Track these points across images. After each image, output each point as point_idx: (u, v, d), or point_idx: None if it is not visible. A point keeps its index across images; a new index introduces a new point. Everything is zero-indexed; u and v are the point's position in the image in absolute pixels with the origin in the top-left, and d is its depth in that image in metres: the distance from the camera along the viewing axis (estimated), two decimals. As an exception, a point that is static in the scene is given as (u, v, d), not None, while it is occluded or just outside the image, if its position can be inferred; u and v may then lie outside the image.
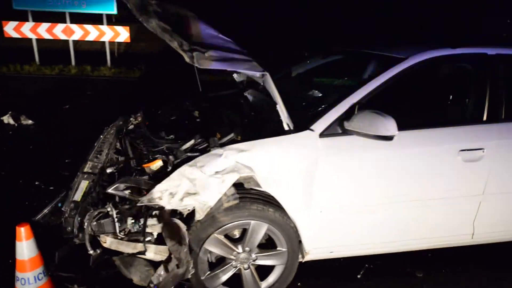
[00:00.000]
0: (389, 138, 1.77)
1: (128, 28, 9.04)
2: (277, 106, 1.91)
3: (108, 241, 2.09)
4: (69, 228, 2.26)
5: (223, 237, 1.95)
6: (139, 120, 2.62)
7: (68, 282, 2.14)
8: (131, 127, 2.77)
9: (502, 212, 2.26)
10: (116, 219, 1.96)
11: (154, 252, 2.06)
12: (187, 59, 1.84)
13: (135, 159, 2.28)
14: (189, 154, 1.98)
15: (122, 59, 9.66)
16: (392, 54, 2.22)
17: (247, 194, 1.92)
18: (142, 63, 9.18)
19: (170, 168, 1.98)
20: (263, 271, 2.10)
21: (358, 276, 2.33)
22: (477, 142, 2.08)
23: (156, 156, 2.12)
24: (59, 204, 2.75)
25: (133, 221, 1.92)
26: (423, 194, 2.08)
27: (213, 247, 1.96)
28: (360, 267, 2.40)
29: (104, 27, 9.00)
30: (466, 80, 2.23)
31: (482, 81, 2.19)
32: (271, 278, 2.09)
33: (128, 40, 9.30)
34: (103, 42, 9.25)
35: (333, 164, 1.93)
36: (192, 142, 2.04)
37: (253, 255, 2.02)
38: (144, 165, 2.13)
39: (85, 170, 2.51)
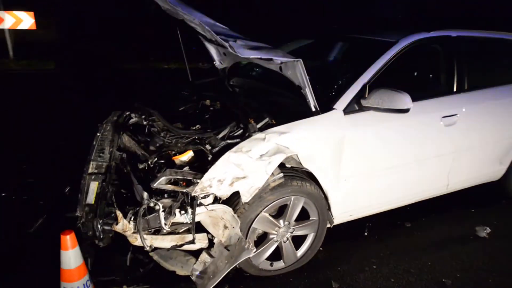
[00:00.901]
0: (406, 110, 2.09)
1: (32, 13, 8.03)
2: (306, 89, 2.08)
3: (140, 238, 2.06)
4: (90, 232, 2.18)
5: (268, 214, 2.09)
6: (146, 115, 2.54)
7: (114, 285, 2.06)
8: (132, 121, 2.67)
9: (467, 164, 2.82)
10: (162, 213, 1.94)
11: (185, 242, 2.10)
12: (228, 49, 1.91)
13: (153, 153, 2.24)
14: (228, 141, 2.04)
15: (28, 49, 8.55)
16: (383, 38, 2.55)
17: (288, 173, 2.09)
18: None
19: (210, 156, 2.02)
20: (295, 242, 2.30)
21: (366, 234, 2.68)
22: (452, 109, 2.55)
23: (187, 147, 2.13)
24: None
25: (183, 212, 1.93)
26: (419, 156, 2.50)
27: (261, 225, 2.09)
28: (362, 226, 2.75)
29: (2, 13, 7.85)
30: (438, 59, 2.68)
31: (450, 59, 2.67)
32: (305, 246, 2.31)
33: (34, 27, 8.27)
34: (2, 31, 8.08)
35: (355, 138, 2.20)
36: (227, 129, 2.10)
37: (291, 228, 2.21)
38: (174, 157, 2.13)
39: (90, 171, 2.40)
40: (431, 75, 2.70)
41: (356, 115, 2.20)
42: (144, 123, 2.48)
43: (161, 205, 1.95)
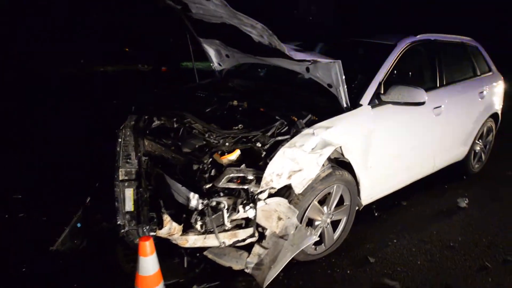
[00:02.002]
0: (422, 103, 2.45)
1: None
2: (340, 88, 2.32)
3: (191, 240, 2.12)
4: (137, 240, 2.14)
5: (317, 203, 2.28)
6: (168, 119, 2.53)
7: (182, 287, 2.06)
8: (155, 125, 2.64)
9: (446, 147, 3.34)
10: (226, 211, 2.01)
11: (246, 236, 2.20)
12: (286, 52, 2.06)
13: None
14: (277, 138, 2.17)
15: None
16: (382, 41, 2.90)
17: (331, 163, 2.30)
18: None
19: (264, 153, 2.13)
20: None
21: (376, 215, 3.02)
22: (439, 101, 3.01)
23: (236, 146, 2.21)
24: (78, 225, 2.47)
25: (248, 208, 2.02)
26: (420, 142, 2.91)
27: (312, 214, 2.27)
28: (368, 210, 3.07)
29: None
30: (423, 58, 3.13)
31: (432, 58, 3.14)
32: (339, 229, 2.54)
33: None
34: None
35: (379, 128, 2.50)
36: (275, 127, 2.23)
37: (331, 214, 2.43)
38: (222, 157, 2.20)
39: (121, 178, 2.35)
40: (421, 72, 3.13)
41: (378, 109, 2.51)
42: (175, 126, 2.47)
43: (226, 203, 2.02)
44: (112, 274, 2.21)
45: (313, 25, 14.57)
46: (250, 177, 2.04)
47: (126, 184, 2.30)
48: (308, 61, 2.34)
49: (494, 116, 3.89)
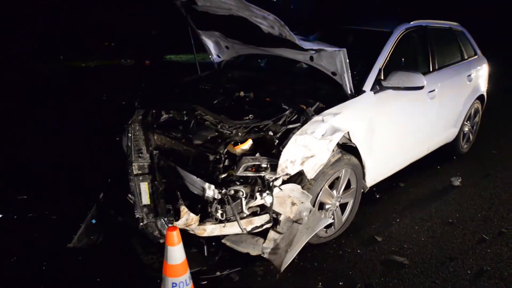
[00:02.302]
0: (421, 87, 2.56)
1: None
2: (345, 75, 2.40)
3: (209, 229, 2.18)
4: (156, 232, 2.19)
5: (328, 187, 2.37)
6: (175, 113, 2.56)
7: (206, 274, 2.12)
8: (163, 119, 2.66)
9: (439, 130, 3.49)
10: (244, 199, 2.08)
11: (263, 222, 2.28)
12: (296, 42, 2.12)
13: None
14: (289, 126, 2.24)
15: None
16: (379, 28, 2.99)
17: (340, 149, 2.39)
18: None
19: (276, 141, 2.20)
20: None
21: (377, 196, 3.15)
22: (433, 85, 3.13)
23: (249, 136, 2.27)
24: (93, 221, 2.49)
25: (265, 195, 2.09)
26: (418, 124, 3.05)
27: (324, 198, 2.37)
28: (369, 192, 3.20)
29: None
30: (417, 44, 3.24)
31: (425, 44, 3.26)
32: (347, 212, 2.65)
33: None
34: None
35: (381, 113, 2.60)
36: (285, 116, 2.30)
37: (339, 198, 2.53)
38: (236, 147, 2.26)
39: (135, 172, 2.37)
40: (415, 57, 3.24)
41: (379, 95, 2.61)
42: (186, 118, 2.50)
43: (244, 191, 2.08)
44: (132, 266, 2.24)
45: (295, 12, 14.63)
46: (265, 165, 2.10)
47: (140, 178, 2.32)
48: (313, 50, 2.41)
49: (480, 98, 4.07)
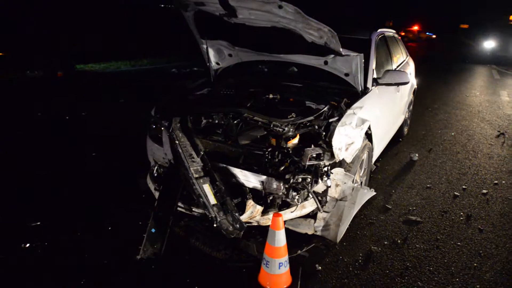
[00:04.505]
0: (408, 82, 3.24)
1: None
2: (358, 75, 2.91)
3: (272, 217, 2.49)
4: (230, 228, 2.41)
5: (359, 168, 2.85)
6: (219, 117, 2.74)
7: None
8: (204, 124, 2.80)
9: (398, 116, 4.32)
10: (309, 185, 2.42)
11: (310, 205, 2.66)
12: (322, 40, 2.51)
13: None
14: (330, 120, 2.65)
15: None
16: (358, 36, 3.61)
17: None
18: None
19: (323, 133, 2.59)
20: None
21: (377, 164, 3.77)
22: (397, 81, 3.90)
23: (298, 131, 2.60)
24: (153, 230, 2.58)
25: (325, 179, 2.46)
26: (393, 112, 3.77)
27: (358, 177, 2.83)
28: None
29: None
30: (382, 48, 3.97)
31: (387, 48, 4.02)
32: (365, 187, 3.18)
33: None
34: None
35: (379, 104, 3.21)
36: (324, 112, 2.69)
37: (363, 176, 3.04)
38: (289, 142, 2.58)
39: (196, 176, 2.51)
40: (382, 58, 3.96)
41: (377, 89, 3.21)
42: (234, 122, 2.69)
43: (309, 178, 2.42)
44: (208, 264, 2.37)
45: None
46: (323, 153, 2.47)
47: (201, 180, 2.46)
48: (332, 54, 2.86)
49: (414, 90, 5.10)
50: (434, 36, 34.21)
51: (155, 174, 2.99)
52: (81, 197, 3.16)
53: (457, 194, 3.43)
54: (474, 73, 12.78)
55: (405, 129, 5.11)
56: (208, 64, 3.63)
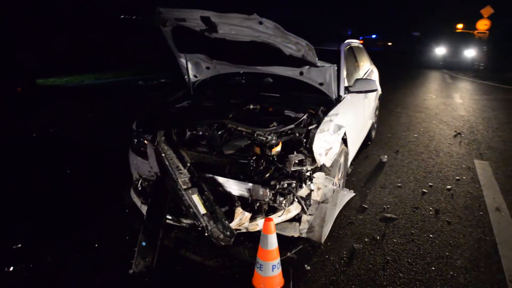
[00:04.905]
0: (376, 90, 3.49)
1: None
2: (332, 84, 3.11)
3: (260, 223, 2.62)
4: (221, 236, 2.50)
5: (337, 171, 3.02)
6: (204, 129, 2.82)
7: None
8: (188, 136, 2.86)
9: (367, 121, 4.59)
10: (295, 189, 2.56)
11: (295, 209, 2.80)
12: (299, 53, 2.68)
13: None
14: (309, 128, 2.81)
15: None
16: (328, 47, 3.84)
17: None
18: None
19: (304, 140, 2.74)
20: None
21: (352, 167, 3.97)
22: (366, 89, 4.17)
23: (280, 139, 2.73)
24: (143, 243, 2.61)
25: (309, 183, 2.61)
26: (363, 117, 4.01)
27: (337, 180, 3.00)
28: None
29: None
30: (350, 57, 4.23)
31: (354, 57, 4.28)
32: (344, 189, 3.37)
33: None
34: None
35: (351, 110, 3.43)
36: (304, 120, 2.84)
37: (341, 179, 3.22)
38: (273, 149, 2.71)
39: (184, 187, 2.58)
40: (350, 67, 4.21)
41: (349, 96, 3.43)
42: (219, 133, 2.77)
43: (294, 183, 2.56)
44: (201, 273, 2.42)
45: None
46: (305, 159, 2.62)
47: (189, 191, 2.52)
48: (307, 66, 3.04)
49: (379, 96, 5.43)
50: (390, 44, 36.08)
51: (139, 188, 3.00)
52: (61, 216, 3.09)
53: (425, 191, 3.71)
54: (429, 78, 13.67)
55: (373, 133, 5.41)
56: (186, 77, 3.70)
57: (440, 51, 20.67)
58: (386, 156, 4.61)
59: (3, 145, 4.99)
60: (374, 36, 36.84)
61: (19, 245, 2.70)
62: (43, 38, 12.73)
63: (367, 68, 4.93)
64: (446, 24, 22.49)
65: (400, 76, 13.58)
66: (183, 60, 3.52)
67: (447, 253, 2.67)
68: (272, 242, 2.17)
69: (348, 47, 4.03)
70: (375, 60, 5.77)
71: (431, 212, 3.28)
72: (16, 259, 2.52)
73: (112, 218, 3.05)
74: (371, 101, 4.71)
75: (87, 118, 6.59)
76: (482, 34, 18.22)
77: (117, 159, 3.69)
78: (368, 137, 5.17)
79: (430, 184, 3.89)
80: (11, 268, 2.44)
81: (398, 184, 3.86)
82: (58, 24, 13.59)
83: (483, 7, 17.27)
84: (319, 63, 2.95)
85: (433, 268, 2.50)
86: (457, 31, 21.77)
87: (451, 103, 8.44)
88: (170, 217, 2.65)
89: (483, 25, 18.06)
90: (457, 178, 4.05)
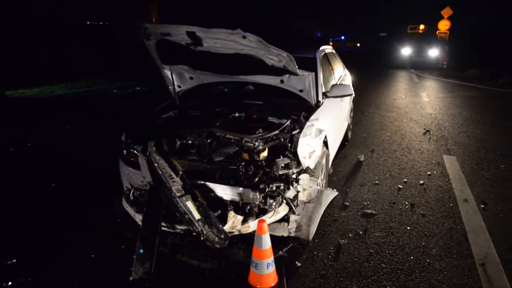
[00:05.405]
0: (352, 94, 3.72)
1: None
2: (311, 91, 3.31)
3: (252, 225, 2.78)
4: (216, 239, 2.64)
5: (320, 172, 3.22)
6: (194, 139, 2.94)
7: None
8: (178, 145, 2.97)
9: (344, 122, 4.84)
10: (283, 191, 2.73)
11: (283, 210, 2.98)
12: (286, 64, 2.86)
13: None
14: (293, 133, 2.98)
15: None
16: (304, 55, 4.05)
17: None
18: None
19: (289, 145, 2.92)
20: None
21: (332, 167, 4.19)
22: (343, 94, 4.41)
23: (266, 145, 2.90)
24: (141, 251, 2.72)
25: (296, 185, 2.78)
26: (340, 119, 4.25)
27: (320, 181, 3.20)
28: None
29: None
30: (325, 63, 4.46)
31: (329, 63, 4.52)
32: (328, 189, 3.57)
33: None
34: None
35: (330, 114, 3.64)
36: (287, 126, 3.02)
37: (324, 180, 3.42)
38: (260, 154, 2.88)
39: (178, 194, 2.70)
40: (326, 72, 4.45)
41: (327, 101, 3.65)
42: (208, 141, 2.90)
43: (282, 185, 2.73)
44: (198, 276, 2.54)
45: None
46: (291, 163, 2.79)
47: (183, 198, 2.64)
48: (287, 74, 3.23)
49: (353, 98, 5.71)
50: (359, 45, 37.26)
51: (131, 198, 3.08)
52: (52, 229, 3.12)
53: (401, 186, 3.98)
54: (397, 78, 14.29)
55: (350, 134, 5.68)
56: (170, 87, 3.80)
57: (406, 51, 21.59)
58: (362, 156, 4.87)
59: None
60: (343, 37, 37.92)
61: (14, 260, 2.72)
62: (9, 48, 12.32)
63: (341, 72, 5.19)
64: (409, 25, 23.55)
65: (371, 76, 14.12)
66: (167, 72, 3.62)
67: (423, 243, 2.92)
68: (266, 242, 2.33)
69: (323, 53, 4.25)
70: (346, 61, 6.05)
71: (407, 206, 3.54)
72: (13, 274, 2.55)
73: (104, 228, 3.10)
74: (346, 104, 4.97)
75: (65, 129, 6.50)
76: (443, 34, 19.27)
77: (104, 170, 3.73)
78: (345, 138, 5.43)
79: (404, 180, 4.17)
80: (10, 283, 2.47)
81: (376, 182, 4.12)
82: (24, 34, 13.20)
83: (443, 8, 18.32)
84: (300, 72, 3.15)
85: (411, 258, 2.73)
86: (409, 31, 22.92)
87: (419, 102, 8.92)
88: (165, 224, 2.75)
89: (444, 25, 19.12)
90: (429, 173, 4.36)
